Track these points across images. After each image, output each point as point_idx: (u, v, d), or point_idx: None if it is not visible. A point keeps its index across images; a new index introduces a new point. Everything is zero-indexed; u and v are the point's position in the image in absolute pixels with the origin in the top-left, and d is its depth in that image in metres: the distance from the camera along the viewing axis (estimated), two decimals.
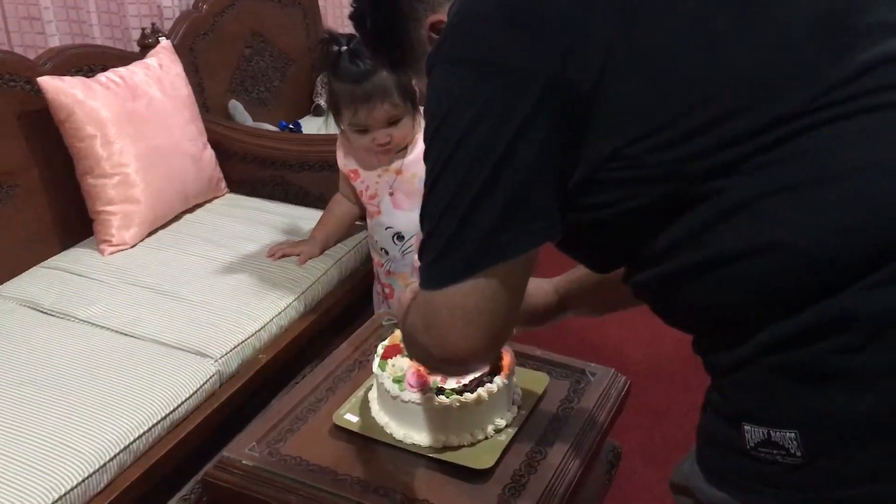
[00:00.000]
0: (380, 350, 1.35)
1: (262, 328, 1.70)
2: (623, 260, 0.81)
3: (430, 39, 0.90)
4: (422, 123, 1.77)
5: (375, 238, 1.87)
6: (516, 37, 0.73)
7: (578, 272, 1.18)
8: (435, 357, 0.81)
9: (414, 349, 0.86)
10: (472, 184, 0.74)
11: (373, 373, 1.32)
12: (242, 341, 1.65)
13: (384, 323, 1.66)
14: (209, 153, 2.14)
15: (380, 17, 0.94)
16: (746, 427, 0.72)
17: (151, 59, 2.05)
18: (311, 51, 2.83)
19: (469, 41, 0.76)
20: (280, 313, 1.75)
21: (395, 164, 1.78)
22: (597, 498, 1.46)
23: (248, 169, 2.21)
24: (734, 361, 0.73)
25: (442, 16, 0.87)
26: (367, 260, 1.98)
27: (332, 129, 1.80)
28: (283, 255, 1.91)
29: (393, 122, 1.69)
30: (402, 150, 1.77)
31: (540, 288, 1.18)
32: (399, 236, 1.82)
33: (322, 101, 2.80)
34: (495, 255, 0.75)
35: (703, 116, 0.70)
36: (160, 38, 2.12)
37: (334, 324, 1.92)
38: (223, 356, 1.61)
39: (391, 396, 1.26)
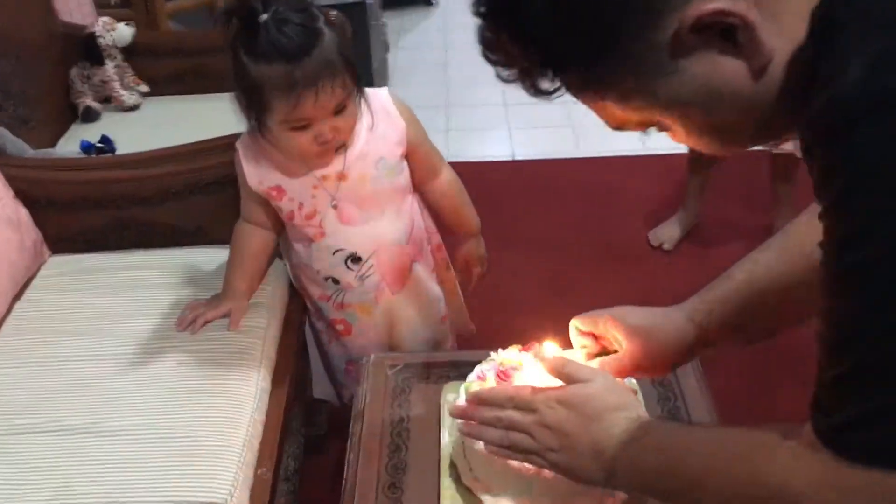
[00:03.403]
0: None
1: (247, 434, 1.24)
2: None
3: (686, 46, 0.58)
4: (364, 108, 1.37)
5: (317, 268, 1.46)
6: None
7: (722, 288, 0.91)
8: None
9: None
10: None
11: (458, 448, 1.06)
12: (239, 461, 1.19)
13: (388, 373, 1.32)
14: (24, 212, 1.51)
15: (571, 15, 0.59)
16: None
17: None
18: (53, 37, 2.14)
19: None
20: (257, 403, 1.30)
21: (335, 167, 1.36)
22: None
23: (74, 219, 1.60)
24: None
25: (718, 3, 0.55)
26: (294, 296, 1.57)
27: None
28: (206, 322, 1.42)
29: (339, 109, 1.28)
30: (341, 146, 1.36)
31: (667, 322, 0.91)
32: (354, 258, 1.44)
33: (90, 101, 2.17)
34: None
35: None
36: None
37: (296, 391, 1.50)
38: (232, 492, 1.14)
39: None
